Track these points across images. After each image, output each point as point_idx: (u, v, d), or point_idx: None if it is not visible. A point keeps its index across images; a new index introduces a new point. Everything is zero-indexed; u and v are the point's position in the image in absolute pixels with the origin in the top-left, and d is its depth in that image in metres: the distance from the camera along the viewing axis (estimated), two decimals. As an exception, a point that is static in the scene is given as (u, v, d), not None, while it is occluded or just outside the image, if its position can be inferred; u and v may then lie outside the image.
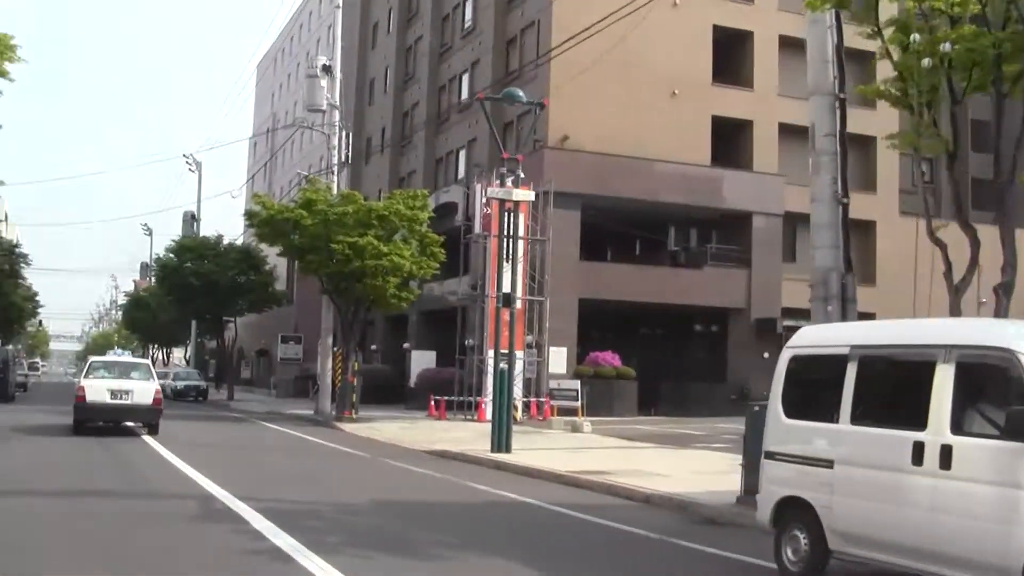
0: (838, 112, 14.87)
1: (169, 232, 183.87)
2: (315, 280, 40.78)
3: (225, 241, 62.21)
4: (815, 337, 11.48)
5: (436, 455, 24.52)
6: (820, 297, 14.51)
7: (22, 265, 64.03)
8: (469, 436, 29.71)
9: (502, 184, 23.86)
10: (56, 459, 20.54)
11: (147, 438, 26.45)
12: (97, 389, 27.47)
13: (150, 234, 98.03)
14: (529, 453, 23.67)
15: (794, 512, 10.40)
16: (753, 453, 14.78)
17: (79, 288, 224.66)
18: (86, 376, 28.75)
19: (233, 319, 65.03)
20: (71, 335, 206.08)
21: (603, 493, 17.44)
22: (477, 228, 40.58)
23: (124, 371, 29.29)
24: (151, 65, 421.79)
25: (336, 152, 40.50)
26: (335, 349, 40.36)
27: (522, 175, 25.47)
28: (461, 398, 38.87)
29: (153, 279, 75.20)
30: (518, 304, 35.61)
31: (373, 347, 56.50)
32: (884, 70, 32.28)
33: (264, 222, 38.24)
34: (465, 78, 53.94)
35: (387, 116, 62.88)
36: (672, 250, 47.75)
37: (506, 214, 24.41)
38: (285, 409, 45.03)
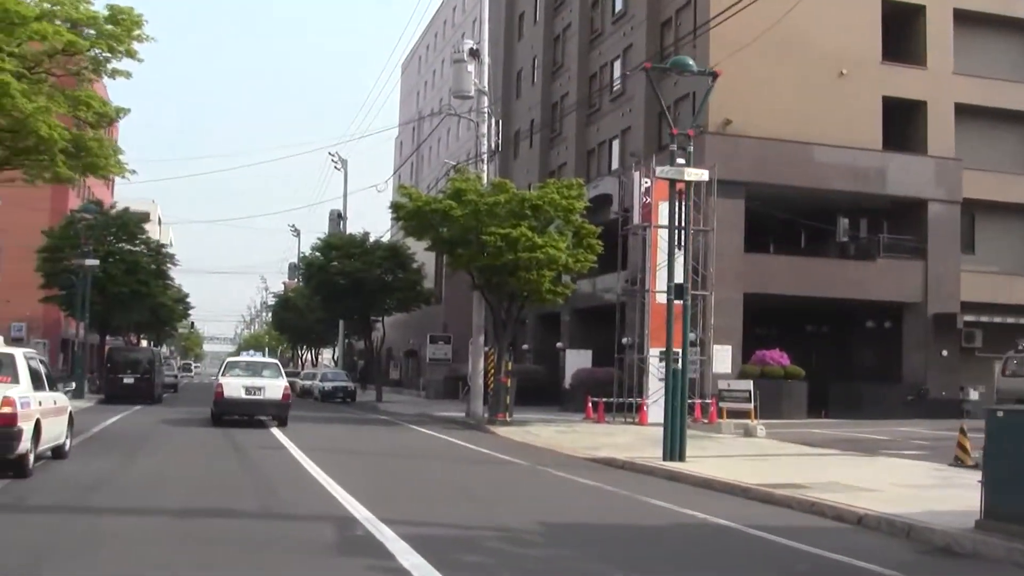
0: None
1: (316, 230, 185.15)
2: (464, 278, 39.05)
3: (372, 239, 60.96)
4: None
5: (601, 463, 22.29)
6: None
7: (169, 265, 63.59)
8: (633, 441, 27.69)
9: (672, 163, 21.51)
10: (184, 468, 18.62)
11: (286, 442, 24.75)
12: (233, 386, 30.90)
13: (297, 235, 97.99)
14: (704, 461, 21.32)
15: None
16: (997, 468, 12.34)
17: (232, 291, 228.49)
18: (223, 375, 32.12)
19: (381, 318, 63.73)
20: (224, 337, 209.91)
21: (804, 512, 14.98)
22: (636, 219, 38.29)
23: (256, 370, 32.56)
24: (296, 66, 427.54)
25: (485, 140, 38.57)
26: (487, 348, 38.53)
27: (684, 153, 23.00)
28: (620, 399, 36.70)
29: (300, 279, 74.63)
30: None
31: (524, 346, 54.68)
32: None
33: (411, 214, 36.30)
34: (617, 64, 51.67)
35: (535, 108, 60.82)
36: (841, 241, 44.80)
37: (676, 196, 22.02)
38: (435, 411, 43.29)
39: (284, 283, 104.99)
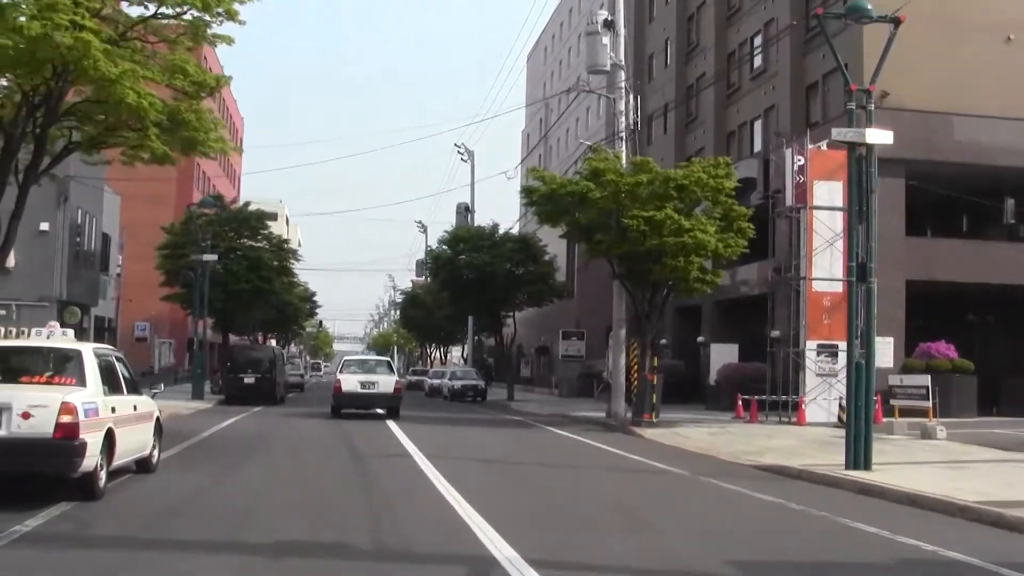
0: None
1: (443, 223, 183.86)
2: (598, 270, 36.45)
3: (501, 230, 58.60)
4: None
5: (771, 472, 19.38)
6: None
7: (292, 262, 62.01)
8: (796, 445, 24.79)
9: (851, 124, 18.54)
10: (289, 484, 15.95)
11: (410, 447, 22.37)
12: (350, 381, 34.68)
13: (424, 231, 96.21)
14: (892, 470, 18.36)
15: None
16: None
17: (363, 289, 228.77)
18: (341, 371, 36.43)
19: (511, 314, 61.36)
20: (354, 336, 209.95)
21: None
22: (788, 200, 35.10)
23: (371, 367, 37.30)
24: (413, 60, 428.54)
25: (623, 117, 35.72)
26: (628, 343, 35.75)
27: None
28: (774, 397, 33.64)
29: (427, 275, 72.76)
30: (836, 286, 30.60)
31: (663, 341, 51.70)
32: None
33: (544, 198, 33.68)
34: (758, 40, 48.42)
35: (669, 91, 57.68)
36: (1009, 222, 41.13)
37: (856, 163, 19.01)
38: (570, 411, 40.62)
39: (412, 280, 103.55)
